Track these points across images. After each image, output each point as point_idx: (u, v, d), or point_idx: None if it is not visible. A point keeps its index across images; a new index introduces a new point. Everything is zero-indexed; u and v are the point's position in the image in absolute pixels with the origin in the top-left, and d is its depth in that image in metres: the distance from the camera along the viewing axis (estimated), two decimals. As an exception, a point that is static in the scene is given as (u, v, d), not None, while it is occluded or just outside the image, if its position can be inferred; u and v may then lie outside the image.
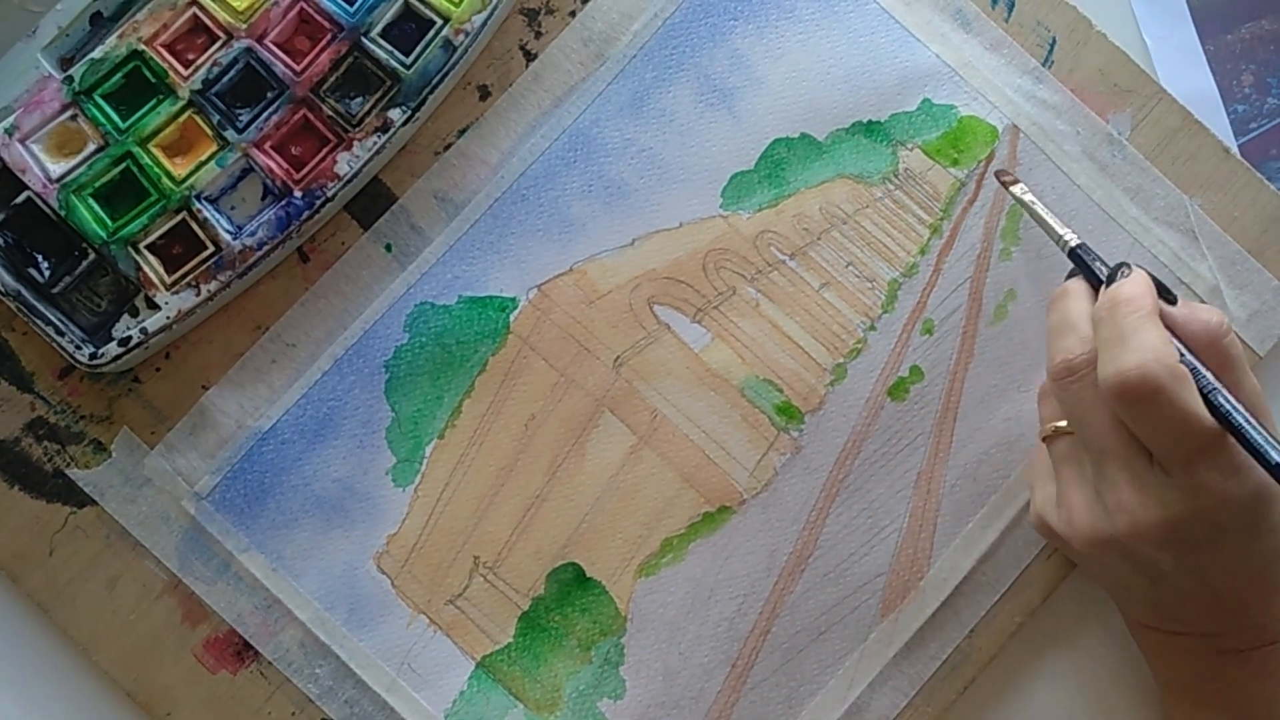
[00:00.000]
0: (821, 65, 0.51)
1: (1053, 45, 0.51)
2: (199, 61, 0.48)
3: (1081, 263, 0.45)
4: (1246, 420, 0.39)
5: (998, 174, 0.50)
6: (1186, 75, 0.53)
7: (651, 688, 0.49)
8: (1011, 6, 0.51)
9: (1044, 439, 0.45)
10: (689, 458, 0.49)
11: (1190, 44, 0.53)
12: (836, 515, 0.49)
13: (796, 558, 0.49)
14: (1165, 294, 0.43)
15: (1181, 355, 0.40)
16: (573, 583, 0.49)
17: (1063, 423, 0.44)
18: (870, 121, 0.51)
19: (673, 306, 0.50)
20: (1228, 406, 0.39)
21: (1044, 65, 0.51)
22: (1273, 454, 0.38)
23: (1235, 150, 0.51)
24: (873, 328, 0.50)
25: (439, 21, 0.48)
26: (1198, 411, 0.39)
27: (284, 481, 0.49)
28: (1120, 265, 0.43)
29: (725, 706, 0.49)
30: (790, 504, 0.49)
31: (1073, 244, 0.46)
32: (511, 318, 0.50)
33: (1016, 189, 0.49)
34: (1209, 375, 0.40)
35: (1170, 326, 0.41)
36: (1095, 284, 0.44)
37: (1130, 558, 0.42)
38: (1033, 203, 0.48)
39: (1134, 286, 0.42)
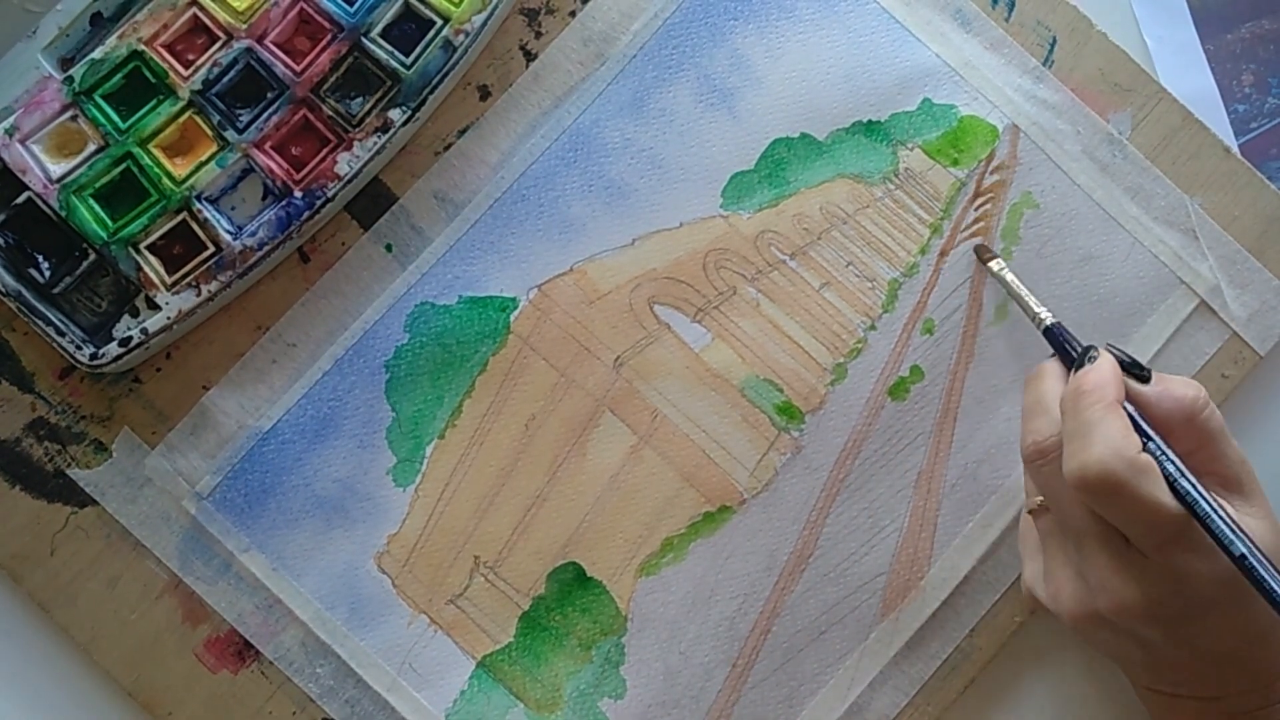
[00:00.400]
0: (822, 65, 0.51)
1: (1053, 45, 0.51)
2: (199, 62, 0.48)
3: (1056, 342, 0.45)
4: (1212, 508, 0.39)
5: (977, 250, 0.50)
6: (1187, 75, 0.53)
7: (652, 687, 0.49)
8: (1012, 6, 0.51)
9: (1030, 512, 0.45)
10: (689, 457, 0.49)
11: (1190, 43, 0.53)
12: (837, 515, 0.49)
13: (797, 557, 0.49)
14: (1138, 371, 0.42)
15: (1146, 442, 0.40)
16: (573, 582, 0.49)
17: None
18: (870, 121, 0.51)
19: (673, 306, 0.50)
20: (1194, 495, 0.39)
21: (1044, 65, 0.51)
22: (1237, 544, 0.38)
23: (1236, 150, 0.51)
24: (873, 327, 0.50)
25: (439, 22, 0.48)
26: (1162, 501, 0.39)
27: (285, 481, 0.49)
28: (1087, 349, 0.43)
29: (726, 706, 0.49)
30: (791, 504, 0.49)
31: (1048, 323, 0.45)
32: (512, 318, 0.50)
33: (994, 265, 0.49)
34: (1175, 462, 0.40)
35: (1143, 407, 0.41)
36: (1069, 364, 0.44)
37: (1119, 632, 0.42)
38: (1011, 281, 0.48)
39: (1097, 375, 0.41)
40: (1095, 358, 0.42)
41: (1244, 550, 0.38)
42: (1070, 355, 0.44)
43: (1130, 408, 0.41)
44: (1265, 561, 0.38)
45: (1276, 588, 0.38)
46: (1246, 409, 0.51)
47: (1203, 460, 0.42)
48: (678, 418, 0.50)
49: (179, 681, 0.48)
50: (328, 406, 0.49)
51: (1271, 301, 0.50)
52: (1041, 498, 0.44)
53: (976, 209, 0.50)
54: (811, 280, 0.50)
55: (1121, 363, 0.42)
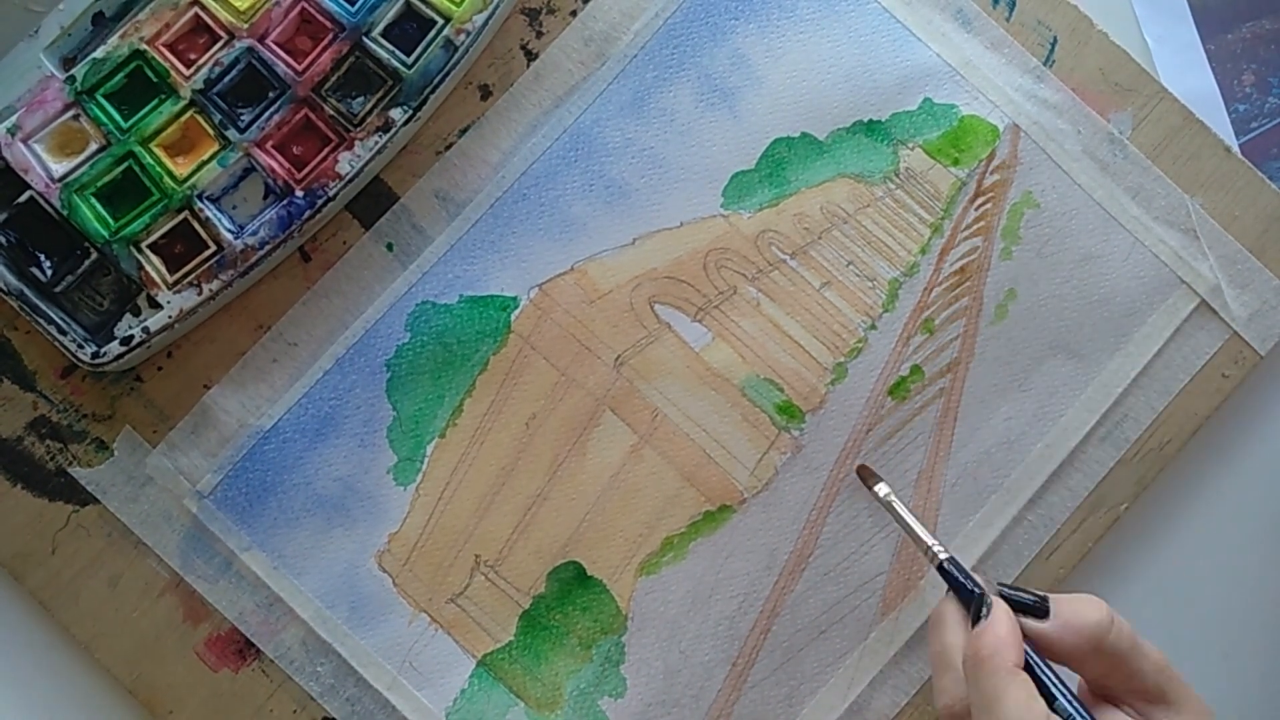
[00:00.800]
0: (822, 65, 0.51)
1: (1054, 44, 0.51)
2: (201, 61, 0.48)
3: (951, 580, 0.43)
4: None
5: (859, 471, 0.49)
6: (1187, 74, 0.53)
7: (652, 686, 0.49)
8: (1012, 6, 0.51)
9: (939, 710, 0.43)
10: (690, 457, 0.49)
11: (1191, 43, 0.53)
12: (837, 514, 0.49)
13: (797, 557, 0.49)
14: (1034, 607, 0.40)
15: (1054, 701, 0.39)
16: (574, 581, 0.49)
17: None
18: (871, 121, 0.51)
19: (674, 306, 0.50)
20: None
21: (1045, 64, 0.51)
22: None
23: (1236, 149, 0.51)
24: (873, 327, 0.50)
25: (440, 21, 0.48)
26: None
27: (286, 480, 0.49)
28: (980, 598, 0.41)
29: (726, 705, 0.49)
30: (791, 503, 0.49)
31: (941, 559, 0.43)
32: (513, 317, 0.50)
33: (879, 489, 0.47)
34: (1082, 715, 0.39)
35: (1046, 648, 0.40)
36: (966, 602, 0.42)
37: None
38: (899, 510, 0.46)
39: (993, 638, 0.39)
40: (989, 606, 0.40)
41: None
42: (967, 592, 0.42)
43: (1034, 656, 0.39)
44: None
45: None
46: (1246, 409, 0.51)
47: (1120, 680, 0.40)
48: (678, 417, 0.50)
49: (180, 680, 0.49)
50: (329, 405, 0.49)
51: (1272, 301, 0.50)
52: (950, 708, 0.42)
53: (977, 208, 0.51)
54: (812, 280, 0.50)
55: (1017, 604, 0.40)
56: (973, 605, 0.41)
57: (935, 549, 0.44)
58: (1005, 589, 0.41)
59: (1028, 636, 0.40)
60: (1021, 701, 0.38)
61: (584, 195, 0.50)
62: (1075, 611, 0.40)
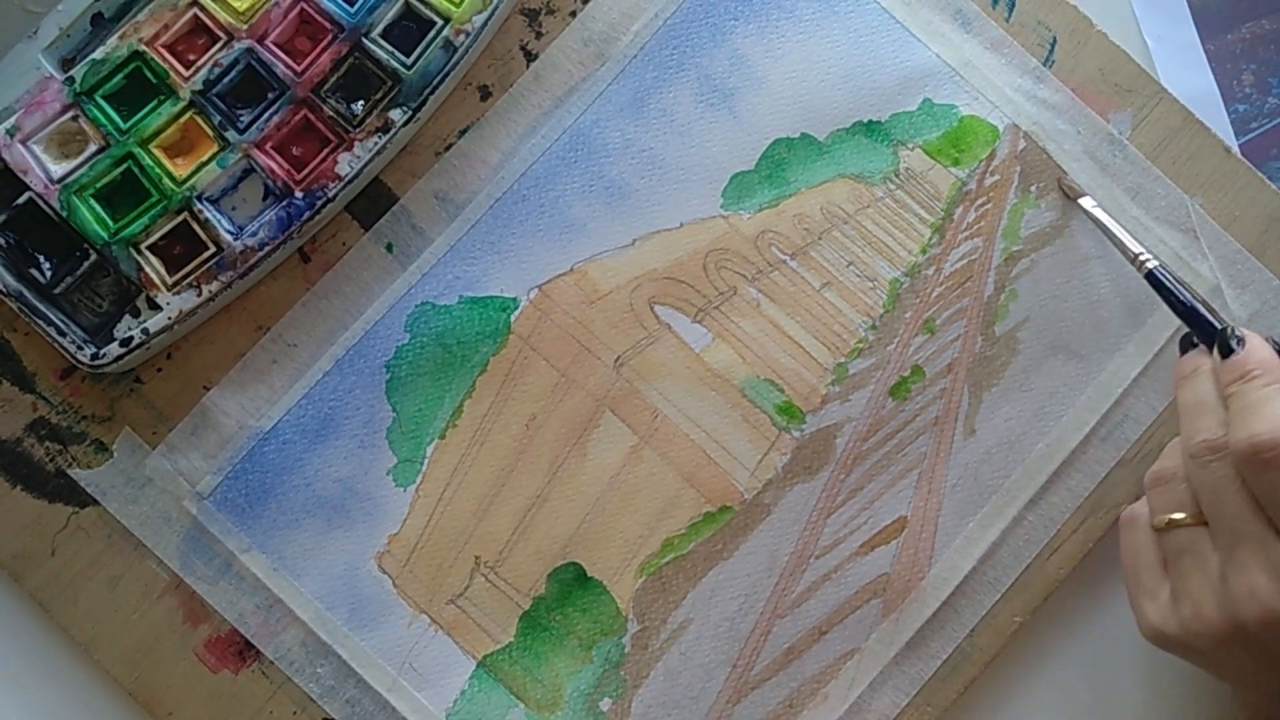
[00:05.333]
0: (822, 65, 0.51)
1: (1053, 45, 0.51)
2: (200, 62, 0.48)
3: (1163, 289, 0.45)
4: None
5: (1063, 185, 0.50)
6: (1187, 75, 0.53)
7: (652, 687, 0.49)
8: (1012, 6, 0.51)
9: (1157, 529, 0.43)
10: (690, 457, 0.49)
11: (1191, 43, 0.53)
12: (838, 515, 0.49)
13: (798, 558, 0.49)
14: None
15: None
16: (574, 582, 0.49)
17: (1179, 515, 0.42)
18: (871, 121, 0.51)
19: (673, 306, 0.50)
20: None
21: (1045, 65, 0.51)
22: None
23: (1236, 150, 0.51)
24: (874, 327, 0.50)
25: (439, 22, 0.48)
26: None
27: (285, 481, 0.49)
28: (1230, 330, 0.42)
29: (726, 706, 0.49)
30: (791, 504, 0.49)
31: (1150, 266, 0.45)
32: (512, 318, 0.50)
33: (1085, 202, 0.49)
34: None
35: None
36: (1203, 338, 0.44)
37: (1262, 651, 0.39)
38: (1105, 220, 0.48)
39: (1262, 352, 0.41)
40: (1241, 339, 0.41)
41: None
42: (1180, 303, 0.44)
43: None
44: None
45: None
46: (1247, 409, 0.51)
47: None
48: (678, 418, 0.50)
49: (179, 681, 0.49)
50: (328, 406, 0.49)
51: (1271, 301, 0.50)
52: (1171, 515, 0.42)
53: (977, 209, 0.51)
54: (812, 280, 0.50)
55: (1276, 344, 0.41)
56: (1221, 335, 0.42)
57: (1143, 256, 0.46)
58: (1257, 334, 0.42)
59: None
60: None
61: (583, 196, 0.50)
62: None
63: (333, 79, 0.48)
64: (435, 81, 0.48)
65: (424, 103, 0.48)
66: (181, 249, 0.48)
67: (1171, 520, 0.42)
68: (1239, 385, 0.40)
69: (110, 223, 0.48)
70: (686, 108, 0.51)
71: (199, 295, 0.48)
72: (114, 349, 0.47)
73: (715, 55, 0.51)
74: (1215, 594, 0.40)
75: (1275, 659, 0.39)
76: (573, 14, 0.51)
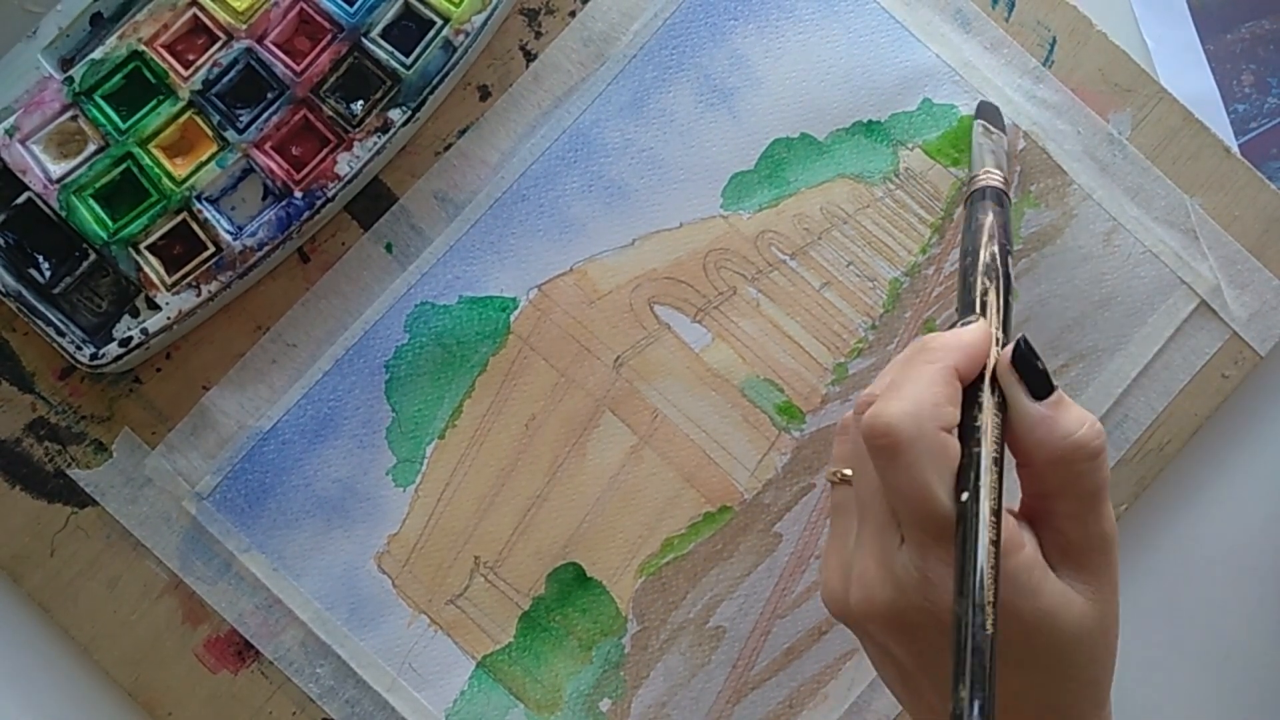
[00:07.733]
0: (821, 65, 0.51)
1: (1053, 45, 0.51)
2: (199, 62, 0.48)
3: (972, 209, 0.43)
4: (981, 531, 0.32)
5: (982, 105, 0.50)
6: (1187, 75, 0.53)
7: (652, 688, 0.49)
8: (1012, 6, 0.51)
9: (830, 481, 0.40)
10: (690, 458, 0.49)
11: (1190, 43, 0.53)
12: (837, 515, 0.49)
13: (798, 558, 0.49)
14: (1040, 385, 0.35)
15: (968, 440, 0.34)
16: (573, 583, 0.49)
17: (847, 470, 0.39)
18: (871, 121, 0.51)
19: (673, 306, 0.50)
20: (977, 508, 0.33)
21: (1044, 65, 0.51)
22: (974, 585, 0.32)
23: (1236, 150, 0.51)
24: (874, 327, 0.50)
25: (439, 22, 0.48)
26: (933, 490, 0.33)
27: (285, 482, 0.49)
28: (969, 314, 0.38)
29: (726, 706, 0.49)
30: (791, 504, 0.49)
31: (977, 187, 0.44)
32: (512, 318, 0.50)
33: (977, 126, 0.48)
34: (985, 475, 0.33)
35: (1015, 422, 0.35)
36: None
37: (865, 638, 0.37)
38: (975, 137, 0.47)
39: (951, 337, 0.36)
40: (969, 323, 0.37)
41: (979, 567, 0.32)
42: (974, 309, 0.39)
43: (990, 404, 0.35)
44: (988, 592, 0.32)
45: (975, 634, 0.31)
46: (1246, 409, 0.51)
47: (1058, 517, 0.35)
48: (678, 418, 0.50)
49: (179, 682, 0.48)
50: (328, 406, 0.49)
51: (1272, 301, 0.50)
52: (840, 469, 0.39)
53: (977, 209, 0.50)
54: (812, 280, 0.50)
55: (1023, 358, 0.35)
56: (962, 317, 0.38)
57: (980, 178, 0.45)
58: (1025, 344, 0.35)
59: (1008, 411, 0.35)
60: (935, 396, 0.33)
61: (583, 196, 0.50)
62: (1071, 418, 0.35)
63: (332, 79, 0.48)
64: (435, 81, 0.48)
65: (423, 103, 0.48)
66: (181, 249, 0.48)
67: (838, 473, 0.39)
68: (906, 356, 0.36)
69: (109, 223, 0.48)
70: (686, 108, 0.51)
71: (198, 295, 0.47)
72: (113, 349, 0.47)
73: (715, 55, 0.51)
74: (838, 570, 0.37)
75: (880, 648, 0.37)
76: (572, 14, 0.51)
